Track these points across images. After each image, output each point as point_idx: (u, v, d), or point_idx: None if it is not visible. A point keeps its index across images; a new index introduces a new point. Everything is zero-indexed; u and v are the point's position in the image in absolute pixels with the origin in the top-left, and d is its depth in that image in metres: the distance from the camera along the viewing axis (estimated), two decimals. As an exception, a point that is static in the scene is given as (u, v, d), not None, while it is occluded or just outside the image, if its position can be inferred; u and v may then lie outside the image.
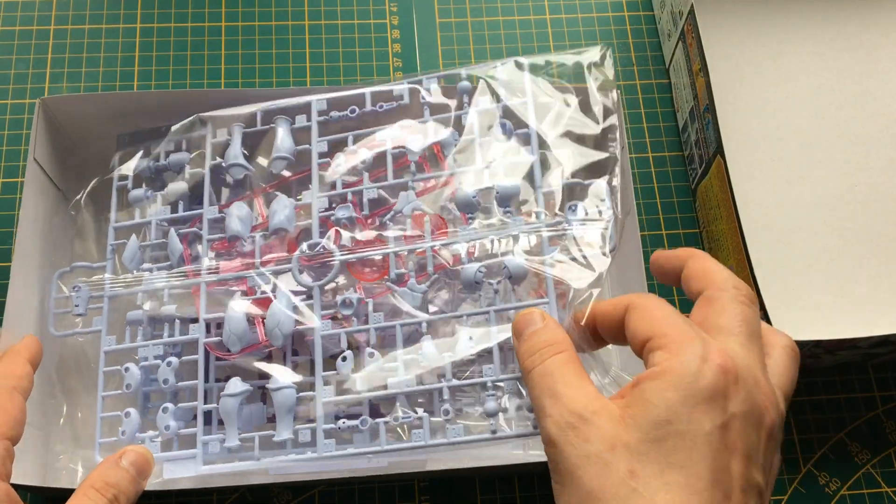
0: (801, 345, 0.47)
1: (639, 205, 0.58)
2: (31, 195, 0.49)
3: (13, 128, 0.60)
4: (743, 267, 0.49)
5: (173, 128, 0.50)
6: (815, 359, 0.51)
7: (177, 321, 0.46)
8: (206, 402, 0.45)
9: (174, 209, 0.49)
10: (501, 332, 0.41)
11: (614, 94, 0.46)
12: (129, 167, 0.51)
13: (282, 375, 0.44)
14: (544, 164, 0.44)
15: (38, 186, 0.50)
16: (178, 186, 0.49)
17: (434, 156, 0.47)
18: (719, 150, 0.53)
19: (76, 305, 0.48)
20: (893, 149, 0.60)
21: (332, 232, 0.46)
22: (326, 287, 0.45)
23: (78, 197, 0.51)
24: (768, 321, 0.47)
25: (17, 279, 0.47)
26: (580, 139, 0.45)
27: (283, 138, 0.49)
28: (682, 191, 0.60)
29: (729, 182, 0.51)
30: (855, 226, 0.57)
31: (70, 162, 0.54)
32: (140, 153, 0.51)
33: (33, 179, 0.50)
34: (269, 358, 0.46)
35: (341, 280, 0.45)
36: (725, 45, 0.62)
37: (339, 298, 0.44)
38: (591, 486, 0.30)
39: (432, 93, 0.48)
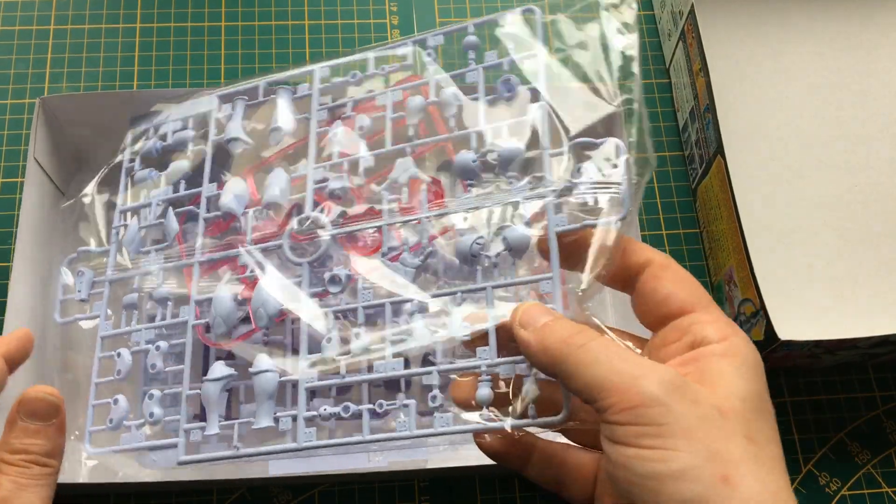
0: (801, 345, 0.47)
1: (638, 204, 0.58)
2: (32, 195, 0.49)
3: (13, 127, 0.60)
4: (743, 267, 0.49)
5: (175, 106, 0.49)
6: (815, 359, 0.51)
7: (169, 304, 0.45)
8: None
9: (176, 189, 0.47)
10: (499, 312, 0.38)
11: (634, 40, 0.41)
12: (137, 148, 0.50)
13: (263, 358, 0.42)
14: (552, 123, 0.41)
15: (38, 186, 0.50)
16: (179, 165, 0.48)
17: (433, 119, 0.45)
18: (719, 150, 0.53)
19: (78, 291, 0.47)
20: (893, 149, 0.60)
21: (323, 205, 0.44)
22: (321, 264, 0.43)
23: (86, 191, 0.50)
24: (769, 321, 0.47)
25: (17, 279, 0.47)
26: (594, 92, 0.41)
27: (282, 109, 0.47)
28: (682, 191, 0.60)
29: (729, 182, 0.51)
30: (855, 226, 0.57)
31: (70, 161, 0.54)
32: (149, 133, 0.50)
33: (33, 179, 0.50)
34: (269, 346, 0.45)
35: (338, 257, 0.43)
36: (725, 45, 0.62)
37: (326, 275, 0.41)
38: (716, 448, 0.29)
39: (436, 51, 0.45)
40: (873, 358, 0.53)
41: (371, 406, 0.39)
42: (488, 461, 0.45)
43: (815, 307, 0.54)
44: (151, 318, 0.46)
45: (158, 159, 0.49)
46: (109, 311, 0.47)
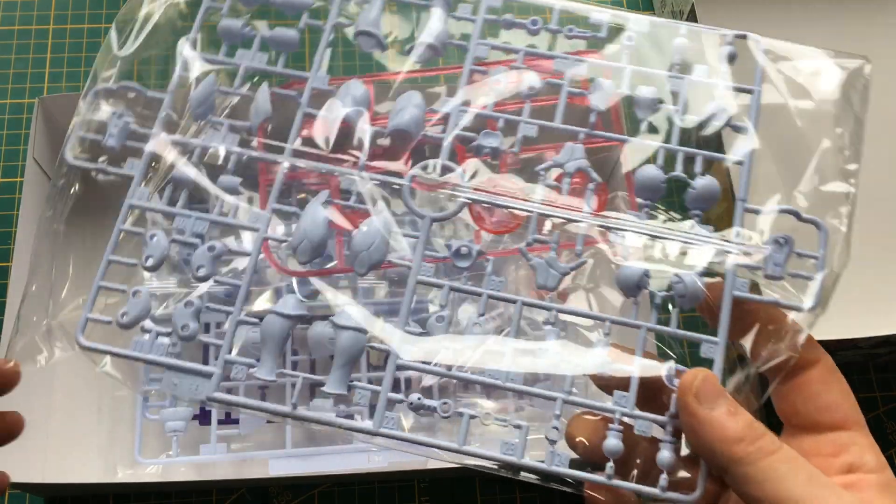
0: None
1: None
2: (31, 195, 0.49)
3: (12, 127, 0.60)
4: (744, 267, 0.49)
5: None
6: (816, 359, 0.51)
7: (238, 204, 0.37)
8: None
9: (273, 61, 0.39)
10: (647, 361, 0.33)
11: (862, 116, 0.37)
12: None
13: (352, 312, 0.34)
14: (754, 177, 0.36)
15: (37, 186, 0.50)
16: (286, 35, 0.40)
17: (611, 114, 0.39)
18: (719, 149, 0.52)
19: (110, 135, 0.37)
20: (893, 149, 0.60)
21: (464, 161, 0.37)
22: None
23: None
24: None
25: (17, 279, 0.47)
26: (805, 161, 0.37)
27: (436, 21, 0.39)
28: (682, 190, 0.60)
29: (730, 182, 0.51)
30: (855, 225, 0.57)
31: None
32: None
33: (33, 179, 0.50)
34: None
35: (461, 225, 0.38)
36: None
37: (453, 243, 0.35)
38: None
39: (640, 37, 0.39)
40: (874, 358, 0.53)
41: (474, 414, 0.33)
42: (488, 462, 0.44)
43: (815, 307, 0.54)
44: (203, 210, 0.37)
45: (253, 14, 0.40)
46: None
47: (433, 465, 0.47)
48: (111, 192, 0.37)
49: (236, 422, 0.49)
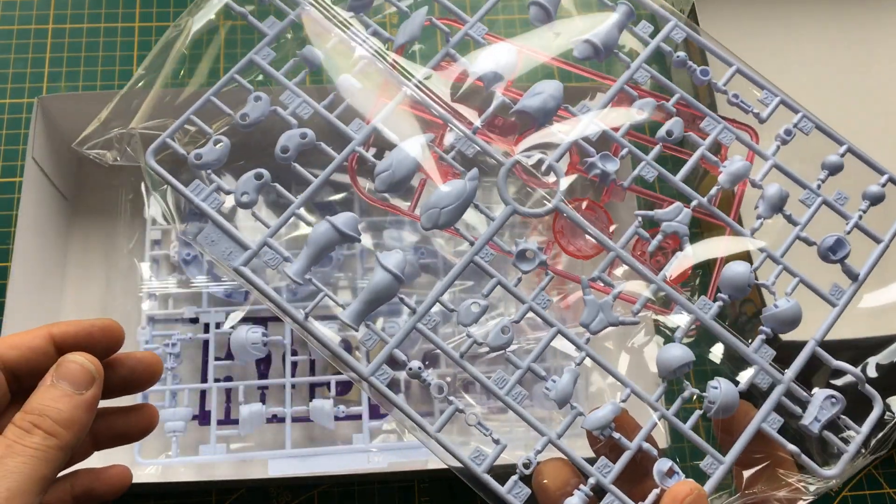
0: (802, 345, 0.47)
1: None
2: (30, 195, 0.49)
3: (11, 127, 0.59)
4: (744, 267, 0.49)
5: None
6: (817, 359, 0.51)
7: (347, 101, 0.36)
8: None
9: None
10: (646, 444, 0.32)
11: None
12: None
13: (395, 257, 0.33)
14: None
15: (36, 186, 0.50)
16: None
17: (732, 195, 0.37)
18: (719, 149, 0.52)
19: None
20: (894, 148, 0.59)
21: (576, 176, 0.36)
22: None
23: None
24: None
25: (16, 279, 0.47)
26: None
27: (609, 25, 0.37)
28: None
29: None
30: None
31: (68, 161, 0.54)
32: None
33: (32, 179, 0.50)
34: None
35: (540, 229, 0.37)
36: (726, 44, 0.62)
37: (520, 243, 0.34)
38: None
39: (798, 136, 0.38)
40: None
41: (461, 408, 0.32)
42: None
43: (815, 307, 0.54)
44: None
45: None
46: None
47: (433, 465, 0.47)
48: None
49: (236, 422, 0.49)
